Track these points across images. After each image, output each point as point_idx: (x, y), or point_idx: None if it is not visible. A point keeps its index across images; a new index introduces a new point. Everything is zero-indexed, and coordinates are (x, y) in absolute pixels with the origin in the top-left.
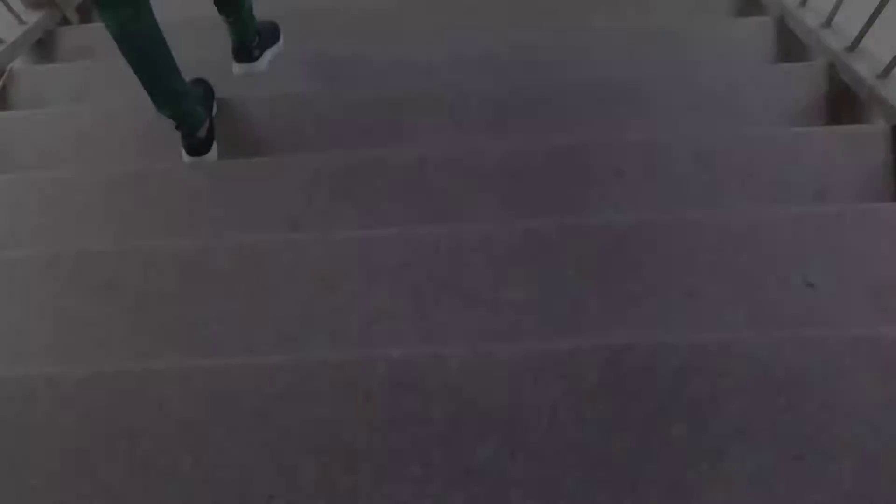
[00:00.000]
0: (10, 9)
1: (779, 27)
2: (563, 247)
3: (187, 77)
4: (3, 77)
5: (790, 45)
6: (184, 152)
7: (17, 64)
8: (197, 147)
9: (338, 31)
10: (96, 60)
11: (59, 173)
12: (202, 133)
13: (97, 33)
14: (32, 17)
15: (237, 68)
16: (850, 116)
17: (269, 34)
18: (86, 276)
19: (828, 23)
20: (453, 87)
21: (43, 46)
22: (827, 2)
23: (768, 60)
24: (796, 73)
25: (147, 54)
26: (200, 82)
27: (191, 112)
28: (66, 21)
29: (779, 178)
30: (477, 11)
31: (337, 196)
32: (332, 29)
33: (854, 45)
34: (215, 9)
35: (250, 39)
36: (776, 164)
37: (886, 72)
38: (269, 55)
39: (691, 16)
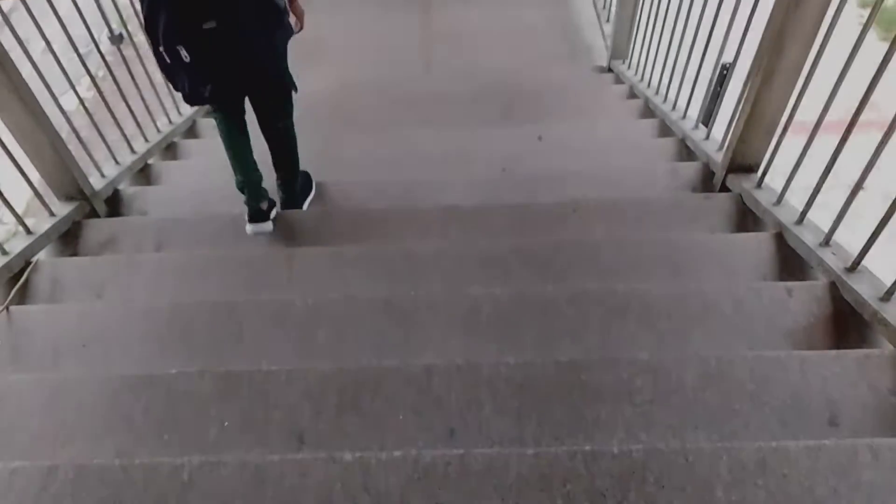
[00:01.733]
0: (42, 201)
1: (778, 243)
2: (576, 477)
3: None
4: (28, 269)
5: (790, 261)
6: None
7: (41, 255)
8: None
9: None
10: (119, 255)
11: (67, 374)
12: (264, 206)
13: (122, 227)
14: (62, 209)
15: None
16: (856, 336)
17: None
18: (84, 493)
19: (826, 241)
20: (463, 295)
21: (69, 237)
22: (825, 218)
23: (769, 276)
24: (798, 291)
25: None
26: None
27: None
28: (94, 213)
29: (789, 404)
30: (484, 220)
31: (344, 408)
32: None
33: (854, 266)
34: None
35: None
36: (786, 388)
37: (889, 294)
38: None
39: (689, 227)
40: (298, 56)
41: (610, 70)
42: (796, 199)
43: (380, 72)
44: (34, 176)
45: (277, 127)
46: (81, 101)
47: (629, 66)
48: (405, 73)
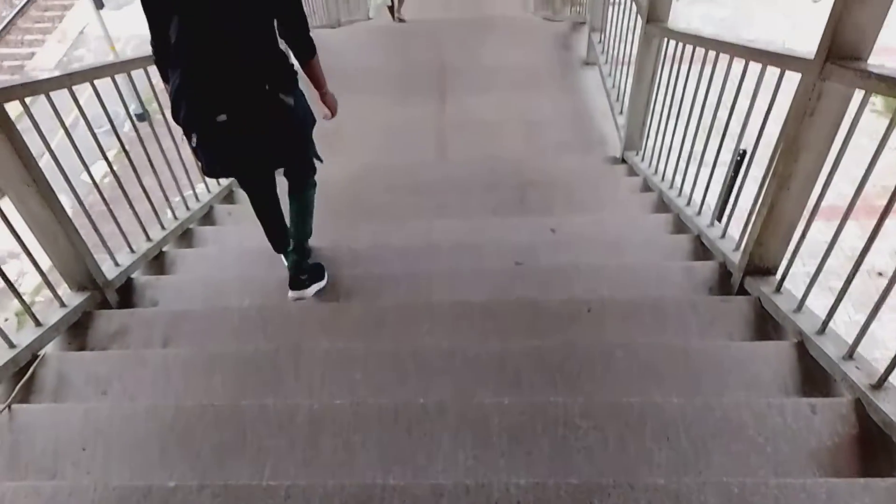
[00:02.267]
0: (54, 292)
1: (799, 352)
2: None
3: None
4: (35, 364)
5: (813, 374)
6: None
7: (49, 347)
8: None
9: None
10: (126, 351)
11: (62, 484)
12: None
13: (132, 319)
14: (74, 300)
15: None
16: (885, 460)
17: (317, 272)
18: None
19: (850, 355)
20: (473, 404)
21: (78, 327)
22: (848, 328)
23: (791, 389)
24: (823, 409)
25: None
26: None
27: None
28: (105, 302)
29: None
30: (496, 317)
31: None
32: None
33: (880, 383)
34: None
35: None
36: None
37: None
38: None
39: (706, 332)
40: (317, 143)
41: (623, 161)
42: (817, 302)
43: (396, 159)
44: (45, 262)
45: (296, 195)
46: (98, 187)
47: (642, 158)
48: (421, 161)
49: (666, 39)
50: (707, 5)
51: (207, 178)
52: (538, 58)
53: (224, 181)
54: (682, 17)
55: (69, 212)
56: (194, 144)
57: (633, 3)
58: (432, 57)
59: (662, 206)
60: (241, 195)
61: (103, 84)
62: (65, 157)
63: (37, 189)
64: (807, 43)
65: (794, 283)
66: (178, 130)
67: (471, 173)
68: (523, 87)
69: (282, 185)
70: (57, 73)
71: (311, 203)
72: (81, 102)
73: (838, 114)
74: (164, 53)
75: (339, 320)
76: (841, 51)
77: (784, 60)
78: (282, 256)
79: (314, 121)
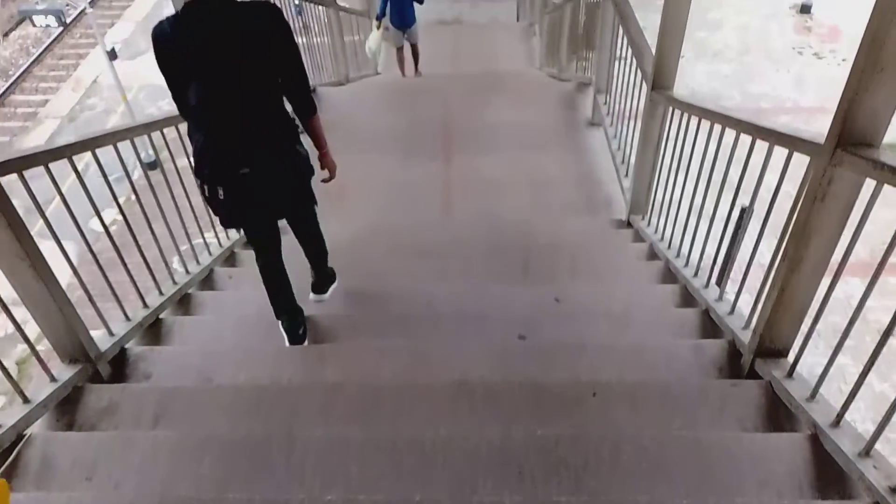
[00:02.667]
0: (44, 366)
1: (813, 446)
2: None
3: None
4: (20, 445)
5: (828, 470)
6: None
7: (37, 425)
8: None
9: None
10: (113, 433)
11: None
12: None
13: (123, 395)
14: (64, 373)
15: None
16: None
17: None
18: None
19: (866, 452)
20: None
21: (68, 403)
22: (863, 423)
23: (805, 486)
24: None
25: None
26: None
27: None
28: (97, 375)
29: None
30: (498, 399)
31: None
32: None
33: None
34: None
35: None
36: None
37: None
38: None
39: (716, 419)
40: (321, 200)
41: (629, 225)
42: (832, 386)
43: (400, 219)
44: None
45: (305, 232)
46: (94, 254)
47: (648, 223)
48: (425, 221)
49: (671, 108)
50: (711, 61)
51: (209, 239)
52: (544, 117)
53: (226, 242)
54: (686, 73)
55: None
56: (221, 197)
57: (639, 69)
58: (438, 114)
59: (669, 275)
60: (244, 257)
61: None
62: (60, 222)
63: (30, 263)
64: (812, 98)
65: (809, 361)
66: (177, 185)
67: (475, 235)
68: (529, 147)
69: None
70: (53, 145)
71: (320, 234)
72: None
73: (850, 199)
74: (185, 113)
75: (335, 399)
76: (852, 136)
77: (793, 142)
78: (279, 323)
79: (313, 171)
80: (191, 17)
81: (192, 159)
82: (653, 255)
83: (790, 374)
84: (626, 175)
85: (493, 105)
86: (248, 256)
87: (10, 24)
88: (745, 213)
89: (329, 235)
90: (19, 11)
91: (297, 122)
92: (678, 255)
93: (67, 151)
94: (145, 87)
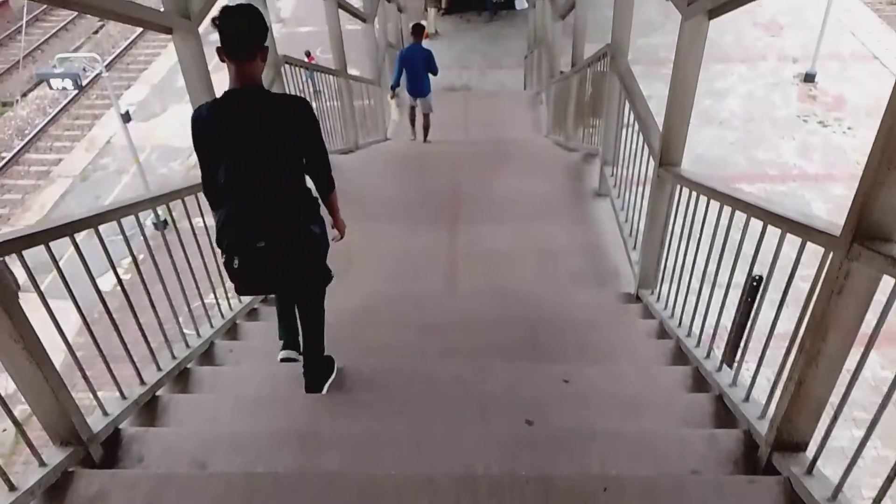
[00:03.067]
0: (32, 449)
1: None
2: None
3: None
4: None
5: None
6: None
7: None
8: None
9: None
10: None
11: None
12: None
13: (113, 482)
14: (54, 457)
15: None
16: None
17: (328, 366)
18: None
19: None
20: None
21: (56, 489)
22: None
23: None
24: None
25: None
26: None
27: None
28: (88, 457)
29: None
30: (503, 496)
31: None
32: None
33: None
34: None
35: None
36: None
37: None
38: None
39: None
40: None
41: (638, 299)
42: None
43: (405, 289)
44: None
45: (308, 306)
46: (90, 328)
47: (658, 299)
48: (430, 292)
49: (679, 186)
50: (716, 128)
51: (211, 308)
52: (551, 187)
53: (228, 312)
54: (692, 139)
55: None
56: (236, 266)
57: (646, 144)
58: (446, 183)
59: (680, 355)
60: (246, 329)
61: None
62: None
63: (24, 345)
64: (819, 165)
65: (830, 451)
66: (177, 249)
67: (480, 307)
68: (536, 217)
69: None
70: (54, 223)
71: (323, 318)
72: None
73: (869, 293)
74: (213, 189)
75: (332, 495)
76: (869, 231)
77: (807, 231)
78: (281, 353)
79: (328, 244)
80: (227, 103)
81: (214, 231)
82: (663, 332)
83: (809, 470)
84: (635, 248)
85: (501, 174)
86: (251, 329)
87: (29, 85)
88: (755, 285)
89: (334, 304)
90: (37, 74)
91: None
92: (689, 334)
93: (68, 230)
94: (157, 148)
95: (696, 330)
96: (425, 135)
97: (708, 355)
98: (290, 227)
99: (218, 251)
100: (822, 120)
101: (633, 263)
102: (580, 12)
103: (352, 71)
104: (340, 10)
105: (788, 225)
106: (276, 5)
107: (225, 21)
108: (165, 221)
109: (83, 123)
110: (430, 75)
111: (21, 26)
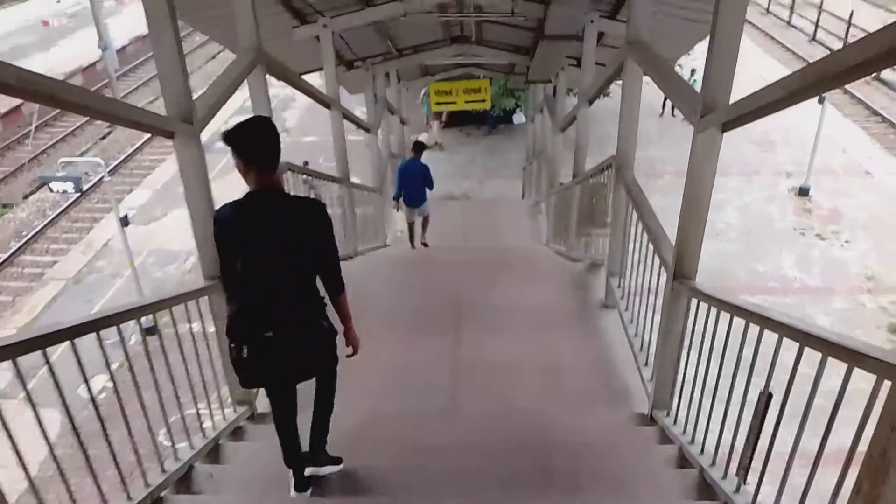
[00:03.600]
0: None
1: None
2: None
3: None
4: None
5: None
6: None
7: None
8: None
9: None
10: None
11: None
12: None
13: None
14: None
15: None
16: None
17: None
18: None
19: None
20: None
21: None
22: None
23: None
24: None
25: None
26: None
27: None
28: None
29: None
30: None
31: None
32: None
33: None
34: None
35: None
36: None
37: None
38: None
39: None
40: None
41: (652, 420)
42: None
43: (405, 406)
44: None
45: (321, 390)
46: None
47: (675, 421)
48: (432, 410)
49: (696, 301)
50: (714, 240)
51: (189, 429)
52: (555, 298)
53: (212, 431)
54: None
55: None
56: (245, 356)
57: (656, 256)
58: (446, 291)
59: (706, 489)
60: (229, 451)
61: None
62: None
63: None
64: (819, 279)
65: None
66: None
67: (486, 430)
68: (540, 328)
69: None
70: (24, 336)
71: (331, 406)
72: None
73: None
74: (228, 281)
75: None
76: None
77: (853, 356)
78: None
79: (336, 333)
80: (249, 203)
81: (226, 322)
82: (684, 460)
83: None
84: (646, 364)
85: (503, 282)
86: (235, 451)
87: (32, 188)
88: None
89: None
90: (39, 177)
91: (325, 298)
92: (713, 463)
93: (42, 343)
94: (155, 252)
95: (721, 460)
96: (423, 231)
97: (738, 489)
98: (298, 318)
99: (215, 353)
100: (820, 233)
101: (645, 381)
102: (581, 127)
103: (354, 179)
104: (345, 121)
105: (829, 348)
106: (281, 115)
107: (245, 136)
108: (150, 329)
109: (82, 226)
110: (427, 189)
111: (30, 131)
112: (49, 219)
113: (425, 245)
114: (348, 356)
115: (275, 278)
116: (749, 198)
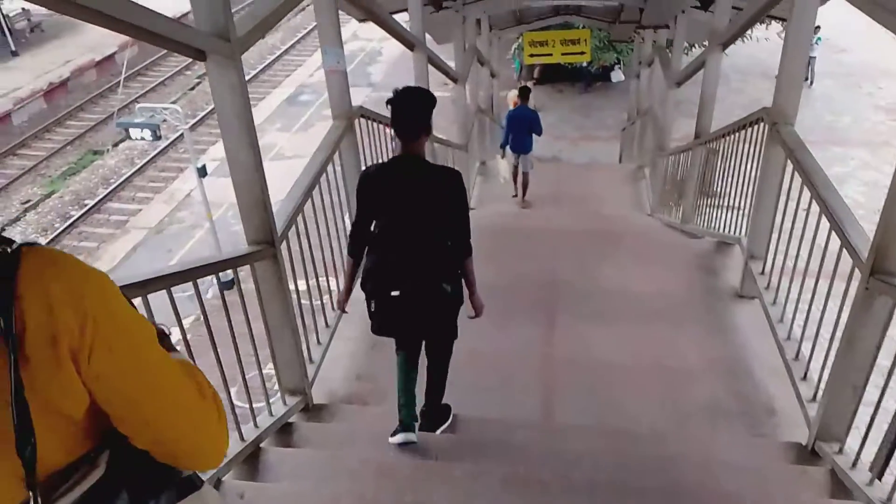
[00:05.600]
0: None
1: None
2: None
3: None
4: None
5: None
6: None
7: None
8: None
9: None
10: None
11: None
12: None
13: None
14: None
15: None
16: None
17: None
18: None
19: None
20: None
21: None
22: None
23: None
24: None
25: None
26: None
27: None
28: None
29: None
30: None
31: None
32: None
33: None
34: None
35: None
36: None
37: None
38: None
39: None
40: None
41: (813, 453)
42: None
43: (489, 412)
44: None
45: (436, 358)
46: None
47: (855, 464)
48: (519, 423)
49: None
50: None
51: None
52: (673, 281)
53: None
54: None
55: None
56: (372, 309)
57: (837, 237)
58: (541, 266)
59: None
60: (271, 460)
61: None
62: None
63: None
64: None
65: None
66: None
67: (588, 453)
68: (655, 320)
69: None
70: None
71: (446, 371)
72: None
73: None
74: (360, 237)
75: None
76: None
77: None
78: (397, 437)
79: (462, 302)
80: (393, 166)
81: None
82: None
83: None
84: (805, 378)
85: (608, 259)
86: (279, 460)
87: (121, 136)
88: None
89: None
90: (117, 123)
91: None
92: None
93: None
94: (235, 206)
95: None
96: (524, 192)
97: None
98: (426, 280)
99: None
100: None
101: (803, 401)
102: (710, 76)
103: (437, 135)
104: (431, 71)
105: None
106: (366, 70)
107: (398, 103)
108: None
109: (168, 176)
110: (535, 135)
111: (120, 80)
112: (136, 167)
113: (525, 203)
114: (470, 317)
115: (411, 239)
116: (877, 173)
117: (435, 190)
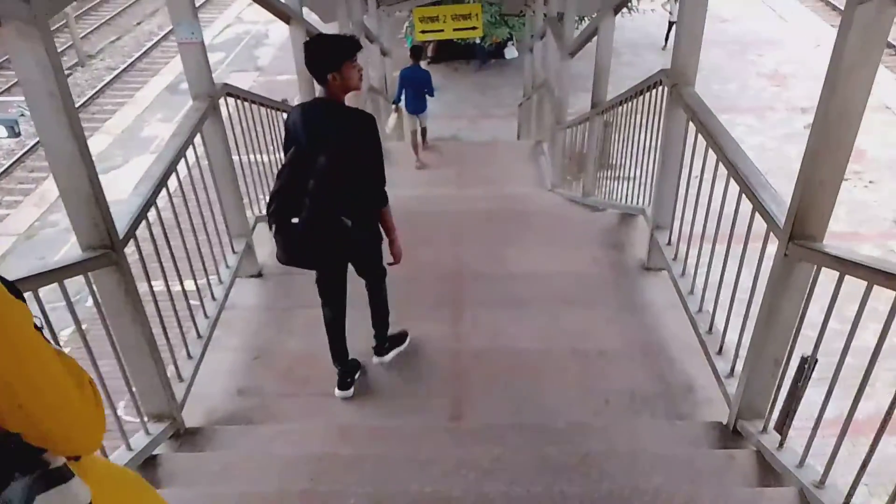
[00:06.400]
0: None
1: None
2: None
3: None
4: None
5: None
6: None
7: None
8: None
9: None
10: None
11: None
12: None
13: None
14: None
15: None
16: None
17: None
18: None
19: None
20: None
21: None
22: None
23: None
24: None
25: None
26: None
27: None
28: None
29: None
30: None
31: None
32: None
33: None
34: None
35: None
36: None
37: None
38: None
39: None
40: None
41: (735, 432)
42: None
43: (392, 421)
44: None
45: (369, 281)
46: None
47: (781, 445)
48: (427, 426)
49: (820, 269)
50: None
51: None
52: (580, 261)
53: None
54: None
55: None
56: (273, 231)
57: (749, 201)
58: (443, 253)
59: None
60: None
61: None
62: None
63: None
64: (844, 224)
65: None
66: None
67: (504, 461)
68: (565, 302)
69: None
70: None
71: (384, 296)
72: None
73: None
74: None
75: None
76: None
77: None
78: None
79: (379, 241)
80: (312, 104)
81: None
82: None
83: None
84: (720, 352)
85: (513, 240)
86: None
87: None
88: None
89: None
90: None
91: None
92: None
93: None
94: (114, 203)
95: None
96: (424, 138)
97: None
98: (324, 213)
99: None
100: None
101: (721, 375)
102: (604, 42)
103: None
104: None
105: None
106: (253, 53)
107: (308, 45)
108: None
109: (37, 176)
110: (428, 96)
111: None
112: (2, 168)
113: (426, 146)
114: (389, 264)
115: (316, 171)
116: (763, 136)
117: (347, 129)
